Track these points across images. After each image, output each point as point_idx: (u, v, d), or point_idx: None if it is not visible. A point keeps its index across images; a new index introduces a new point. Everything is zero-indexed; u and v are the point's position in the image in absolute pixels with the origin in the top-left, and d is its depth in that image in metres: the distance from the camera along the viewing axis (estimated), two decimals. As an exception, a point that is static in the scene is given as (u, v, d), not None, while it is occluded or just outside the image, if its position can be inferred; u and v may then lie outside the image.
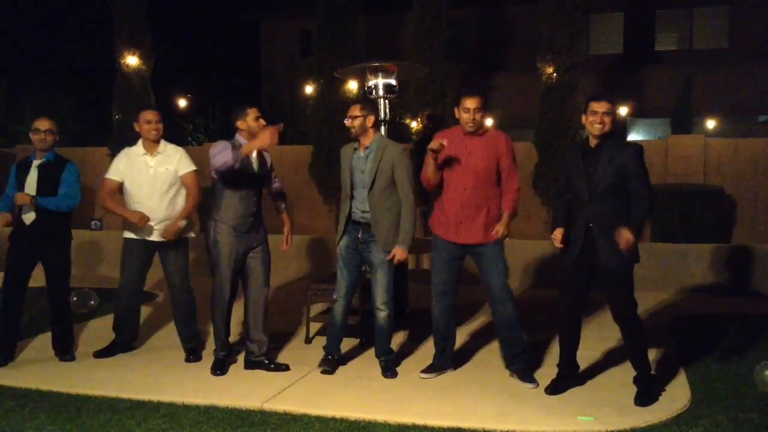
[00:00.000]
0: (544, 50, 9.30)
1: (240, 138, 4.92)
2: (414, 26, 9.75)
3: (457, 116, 4.72)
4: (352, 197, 4.91)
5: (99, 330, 6.25)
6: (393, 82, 6.17)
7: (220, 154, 4.65)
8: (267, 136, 4.56)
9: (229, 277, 4.94)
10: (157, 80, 11.28)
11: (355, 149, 4.89)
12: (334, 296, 5.05)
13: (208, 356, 5.29)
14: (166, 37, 14.91)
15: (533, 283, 8.28)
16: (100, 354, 5.43)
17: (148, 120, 5.28)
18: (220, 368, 5.01)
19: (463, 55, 16.16)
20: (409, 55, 9.76)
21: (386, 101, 6.14)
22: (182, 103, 16.78)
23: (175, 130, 15.91)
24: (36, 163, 5.21)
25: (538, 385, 4.64)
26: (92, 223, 10.47)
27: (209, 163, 4.72)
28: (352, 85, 9.96)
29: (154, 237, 5.28)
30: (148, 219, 5.18)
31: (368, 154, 4.83)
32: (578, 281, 4.46)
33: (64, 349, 5.38)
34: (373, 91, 6.18)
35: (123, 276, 5.42)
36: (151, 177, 5.25)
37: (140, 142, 5.35)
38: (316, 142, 10.32)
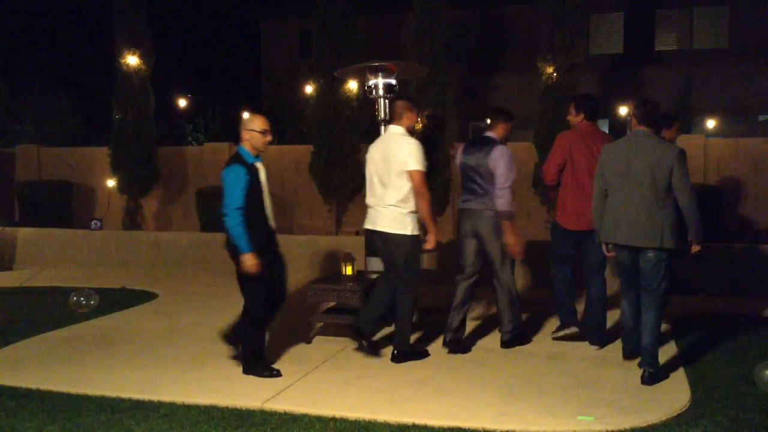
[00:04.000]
0: (544, 50, 9.30)
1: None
2: (414, 26, 9.74)
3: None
4: None
5: (99, 330, 6.26)
6: (393, 82, 6.17)
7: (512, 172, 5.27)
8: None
9: None
10: (157, 80, 11.28)
11: None
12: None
13: (210, 355, 5.28)
14: (166, 37, 14.90)
15: (531, 284, 8.27)
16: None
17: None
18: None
19: (463, 55, 16.17)
20: (409, 55, 9.76)
21: (386, 101, 6.15)
22: (182, 103, 16.77)
23: (176, 130, 15.95)
24: (258, 164, 4.96)
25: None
26: (92, 223, 10.47)
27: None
28: (352, 85, 9.96)
29: None
30: None
31: None
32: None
33: None
34: (373, 91, 6.18)
35: (416, 273, 5.30)
36: None
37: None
38: (316, 142, 10.32)
